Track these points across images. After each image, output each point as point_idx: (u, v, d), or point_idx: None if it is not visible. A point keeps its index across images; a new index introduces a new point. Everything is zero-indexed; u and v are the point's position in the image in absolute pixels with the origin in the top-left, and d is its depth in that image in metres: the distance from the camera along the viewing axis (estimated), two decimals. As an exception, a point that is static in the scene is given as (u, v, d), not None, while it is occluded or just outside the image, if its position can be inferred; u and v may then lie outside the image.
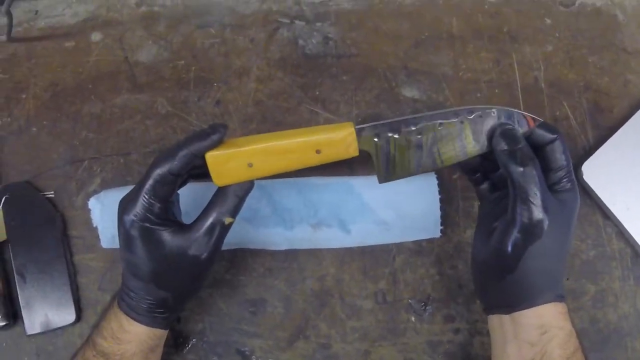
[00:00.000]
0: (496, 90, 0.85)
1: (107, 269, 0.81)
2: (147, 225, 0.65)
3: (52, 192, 0.83)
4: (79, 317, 0.79)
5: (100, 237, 0.80)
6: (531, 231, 0.60)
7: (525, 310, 0.63)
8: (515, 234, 0.61)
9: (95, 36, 0.89)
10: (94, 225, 0.80)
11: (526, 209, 0.60)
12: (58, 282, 0.79)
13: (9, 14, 0.82)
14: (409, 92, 0.85)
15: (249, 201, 0.70)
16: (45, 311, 0.78)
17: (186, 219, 0.73)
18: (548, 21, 0.88)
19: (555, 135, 0.64)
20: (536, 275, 0.62)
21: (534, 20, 0.88)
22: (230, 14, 0.90)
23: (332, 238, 0.79)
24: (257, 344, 0.79)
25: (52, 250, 0.80)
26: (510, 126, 0.64)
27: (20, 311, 0.79)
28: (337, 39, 0.88)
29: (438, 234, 0.79)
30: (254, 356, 0.79)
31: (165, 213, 0.66)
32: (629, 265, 0.79)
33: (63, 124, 0.85)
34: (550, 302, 0.62)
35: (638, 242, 0.78)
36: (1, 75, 0.88)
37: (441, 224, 0.79)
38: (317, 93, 0.86)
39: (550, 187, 0.63)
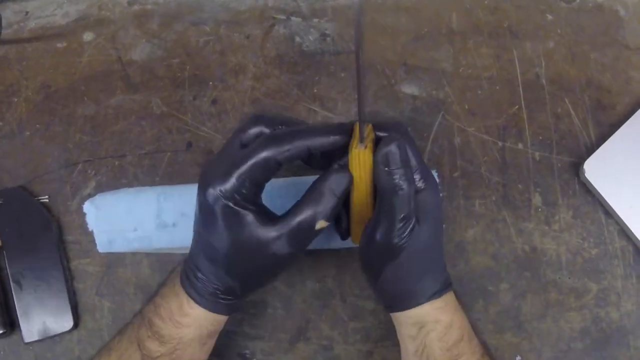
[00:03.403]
0: (497, 87, 0.84)
1: (104, 273, 0.80)
2: (233, 205, 0.59)
3: (47, 196, 0.81)
4: (76, 324, 0.78)
5: (96, 241, 0.78)
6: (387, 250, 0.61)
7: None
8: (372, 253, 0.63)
9: (87, 36, 0.87)
10: (90, 230, 0.78)
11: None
12: (55, 289, 0.78)
13: (-2, 16, 0.80)
14: (409, 88, 0.84)
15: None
16: (42, 318, 0.77)
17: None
18: (549, 17, 0.87)
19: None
20: (399, 286, 0.64)
21: (534, 16, 0.87)
22: (224, 10, 0.88)
23: (332, 238, 0.78)
24: (258, 346, 0.78)
25: (48, 256, 0.78)
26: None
27: (18, 319, 0.77)
28: (334, 35, 0.87)
29: (438, 234, 0.78)
30: (255, 359, 0.78)
31: (255, 197, 0.61)
32: (631, 263, 0.79)
33: (56, 126, 0.84)
34: (422, 304, 0.64)
35: (640, 239, 0.78)
36: (-9, 78, 0.86)
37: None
38: (315, 91, 0.85)
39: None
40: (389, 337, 0.78)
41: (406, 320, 0.66)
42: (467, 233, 0.80)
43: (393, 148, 0.57)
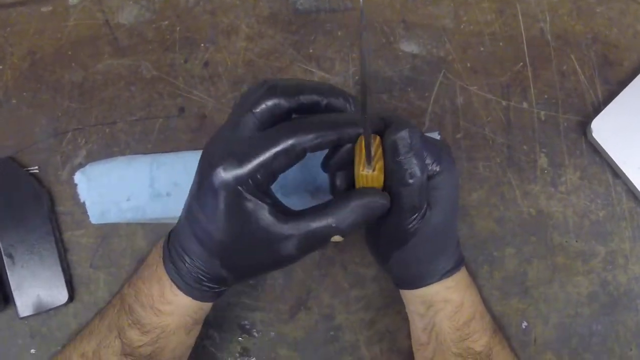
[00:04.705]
0: (500, 44, 0.81)
1: (98, 245, 0.78)
2: (246, 193, 0.53)
3: (37, 167, 0.79)
4: (72, 297, 0.77)
5: (89, 212, 0.76)
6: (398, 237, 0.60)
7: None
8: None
9: (73, -1, 0.84)
10: (82, 201, 0.76)
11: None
12: (48, 262, 0.76)
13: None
14: (408, 47, 0.81)
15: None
16: (37, 292, 0.75)
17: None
18: (553, -32, 0.83)
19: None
20: (408, 269, 0.63)
21: (538, -34, 0.83)
22: (214, -32, 0.84)
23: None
24: (258, 317, 0.77)
25: (40, 229, 0.76)
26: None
27: (12, 294, 0.75)
28: (330, -8, 0.83)
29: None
30: (255, 330, 0.77)
31: (268, 186, 0.56)
32: (639, 225, 0.77)
33: (44, 94, 0.81)
34: (431, 284, 0.63)
35: (649, 201, 0.75)
36: (-25, 46, 0.83)
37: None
38: (311, 51, 0.81)
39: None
40: (392, 304, 0.77)
41: (414, 298, 0.65)
42: (471, 197, 0.78)
43: (401, 136, 0.54)
